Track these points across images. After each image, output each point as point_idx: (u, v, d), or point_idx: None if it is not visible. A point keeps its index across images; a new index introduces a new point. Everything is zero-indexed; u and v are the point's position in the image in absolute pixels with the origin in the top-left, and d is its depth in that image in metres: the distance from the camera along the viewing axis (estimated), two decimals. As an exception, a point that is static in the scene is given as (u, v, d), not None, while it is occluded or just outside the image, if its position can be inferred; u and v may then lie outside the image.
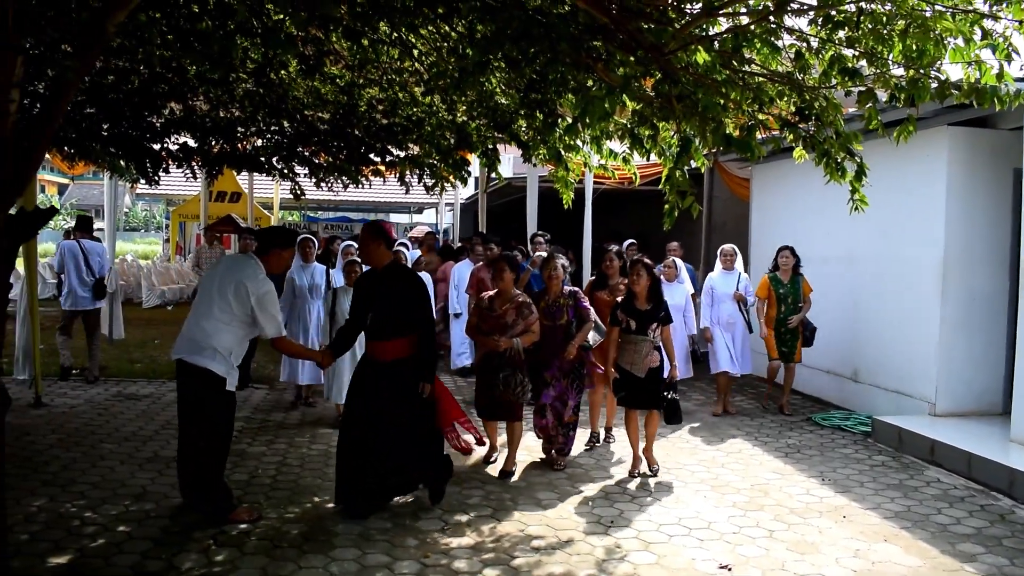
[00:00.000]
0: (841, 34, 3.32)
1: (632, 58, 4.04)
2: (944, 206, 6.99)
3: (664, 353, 6.15)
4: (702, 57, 3.54)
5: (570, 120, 5.46)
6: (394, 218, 28.88)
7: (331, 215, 28.28)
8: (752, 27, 3.22)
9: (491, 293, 6.18)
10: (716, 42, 3.45)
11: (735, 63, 3.62)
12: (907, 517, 5.32)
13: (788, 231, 8.98)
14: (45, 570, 4.19)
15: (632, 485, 5.90)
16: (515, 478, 5.98)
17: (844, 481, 6.04)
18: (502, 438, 6.43)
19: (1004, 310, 7.19)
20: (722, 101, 3.62)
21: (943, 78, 3.34)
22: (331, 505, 5.24)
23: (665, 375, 6.13)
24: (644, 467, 6.16)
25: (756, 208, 10.62)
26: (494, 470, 6.16)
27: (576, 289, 6.40)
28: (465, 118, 6.36)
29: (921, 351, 7.27)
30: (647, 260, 6.16)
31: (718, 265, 8.58)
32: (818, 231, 8.73)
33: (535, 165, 6.67)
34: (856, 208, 4.34)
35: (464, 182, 6.86)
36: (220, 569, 4.28)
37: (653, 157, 5.65)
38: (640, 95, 3.99)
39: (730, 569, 4.47)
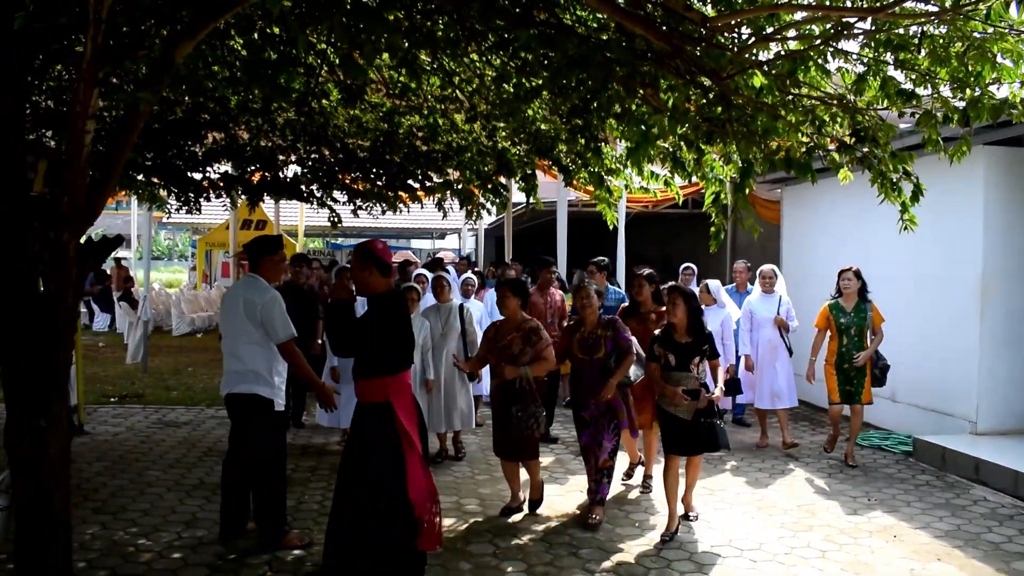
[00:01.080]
0: (890, 56, 3.38)
1: (681, 82, 4.12)
2: (982, 224, 7.00)
3: (711, 385, 5.41)
4: (759, 80, 3.60)
5: (622, 144, 5.56)
6: (416, 244, 29.05)
7: (352, 242, 28.46)
8: (810, 51, 3.28)
9: (496, 321, 5.82)
10: (771, 66, 3.51)
11: (788, 86, 3.68)
12: (958, 536, 5.29)
13: (821, 252, 9.00)
14: (108, 596, 4.24)
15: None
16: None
17: (890, 501, 6.02)
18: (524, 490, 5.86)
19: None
20: (780, 124, 3.68)
21: (999, 98, 3.39)
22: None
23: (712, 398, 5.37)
24: (676, 523, 5.35)
25: (787, 229, 10.64)
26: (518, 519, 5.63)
27: (615, 319, 5.76)
28: (506, 144, 6.45)
29: (961, 370, 7.25)
30: (686, 287, 5.58)
31: (757, 288, 8.00)
32: (852, 251, 8.71)
33: (576, 189, 6.73)
34: (905, 228, 4.38)
35: (503, 207, 6.93)
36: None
37: (692, 178, 5.74)
38: (689, 119, 4.05)
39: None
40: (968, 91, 3.40)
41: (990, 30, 3.14)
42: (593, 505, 5.56)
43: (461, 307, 7.05)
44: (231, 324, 4.89)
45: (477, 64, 5.37)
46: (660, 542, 5.13)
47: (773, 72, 3.58)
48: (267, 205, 18.13)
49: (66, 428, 3.65)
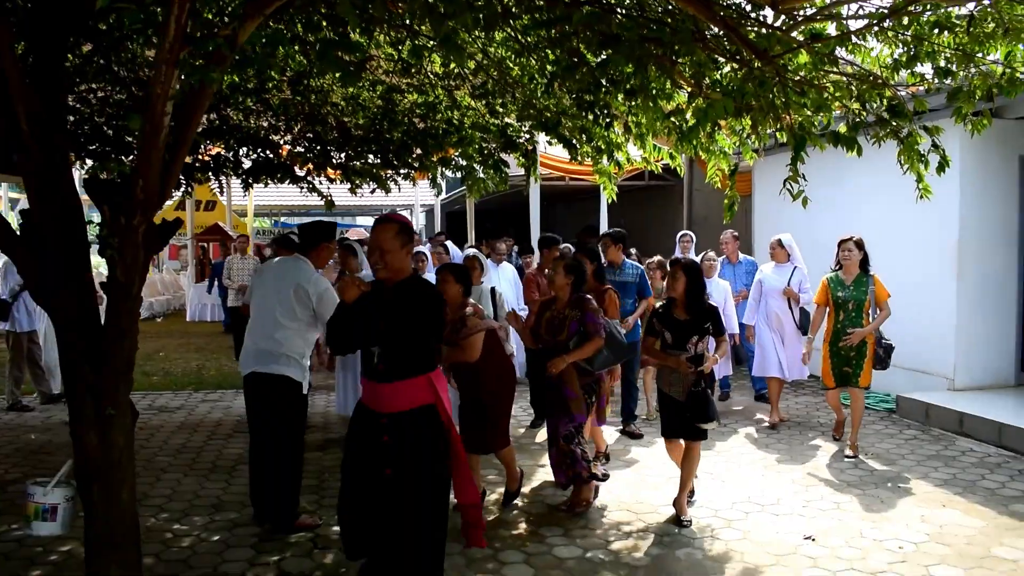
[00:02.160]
0: (936, 36, 3.57)
1: (710, 60, 4.26)
2: (958, 191, 7.36)
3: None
4: (803, 58, 3.76)
5: (629, 117, 5.67)
6: (363, 221, 28.75)
7: (304, 220, 28.03)
8: (862, 31, 3.45)
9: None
10: (817, 44, 3.66)
11: (828, 64, 3.85)
12: (955, 484, 5.64)
13: (795, 221, 9.23)
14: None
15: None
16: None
17: (886, 455, 6.36)
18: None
19: (1014, 289, 7.64)
20: (825, 98, 3.85)
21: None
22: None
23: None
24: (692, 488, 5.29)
25: (759, 200, 10.93)
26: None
27: (585, 297, 5.26)
28: (510, 120, 6.50)
29: (939, 330, 7.64)
30: (689, 259, 5.37)
31: (771, 261, 7.75)
32: (828, 219, 9.00)
33: (580, 162, 6.80)
34: (922, 196, 4.62)
35: (506, 183, 6.98)
36: (339, 569, 4.38)
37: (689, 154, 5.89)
38: (737, 95, 4.17)
39: (814, 539, 4.72)
40: (1002, 68, 3.62)
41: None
42: (577, 488, 5.28)
43: (493, 290, 6.21)
44: (272, 303, 4.86)
45: (483, 40, 5.38)
46: (676, 517, 5.01)
47: (817, 50, 3.73)
48: (215, 185, 17.78)
49: (130, 417, 3.63)
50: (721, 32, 3.63)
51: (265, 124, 7.15)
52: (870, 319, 6.36)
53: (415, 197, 23.13)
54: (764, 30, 3.74)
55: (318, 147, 7.36)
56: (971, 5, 3.23)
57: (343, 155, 7.57)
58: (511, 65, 5.76)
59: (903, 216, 7.89)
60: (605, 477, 5.52)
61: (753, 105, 4.27)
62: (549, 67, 5.26)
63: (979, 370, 7.57)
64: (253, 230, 20.40)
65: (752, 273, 8.25)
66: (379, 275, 3.45)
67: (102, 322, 3.51)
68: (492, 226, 16.67)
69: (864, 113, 3.94)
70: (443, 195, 20.21)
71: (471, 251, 7.27)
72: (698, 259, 7.60)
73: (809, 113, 4.60)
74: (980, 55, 3.58)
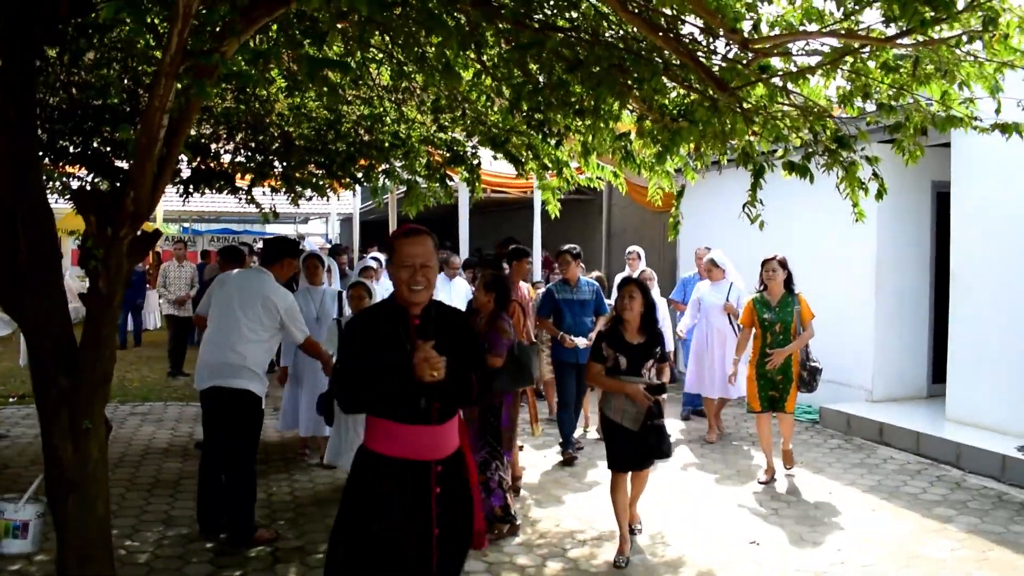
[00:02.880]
0: (880, 75, 3.89)
1: (672, 87, 4.52)
2: (876, 213, 7.82)
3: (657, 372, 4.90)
4: (760, 90, 4.02)
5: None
6: (274, 229, 28.15)
7: (214, 227, 27.29)
8: (816, 68, 3.72)
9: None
10: (774, 79, 3.93)
11: (780, 96, 4.13)
12: (880, 490, 6.02)
13: (719, 237, 9.60)
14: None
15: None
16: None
17: (813, 464, 6.72)
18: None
19: (927, 305, 8.19)
20: (784, 129, 4.13)
21: (964, 113, 3.98)
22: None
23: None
24: (628, 545, 4.81)
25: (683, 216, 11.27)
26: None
27: (501, 315, 5.21)
28: (458, 135, 6.62)
29: (858, 344, 8.11)
30: (643, 278, 5.28)
31: (707, 279, 7.81)
32: (751, 236, 9.36)
33: (525, 176, 6.96)
34: (857, 219, 4.98)
35: (449, 197, 7.09)
36: (302, 582, 4.39)
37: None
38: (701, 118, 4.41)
39: (759, 544, 4.98)
40: (937, 106, 3.97)
41: (965, 57, 3.69)
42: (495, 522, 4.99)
43: (340, 294, 6.59)
44: (237, 316, 4.82)
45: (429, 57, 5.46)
46: (614, 565, 4.63)
47: (774, 84, 4.00)
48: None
49: (104, 430, 3.58)
50: (682, 62, 3.85)
51: (207, 132, 7.05)
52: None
53: (331, 206, 22.89)
54: (724, 63, 3.99)
55: (260, 156, 7.29)
56: (906, 44, 3.52)
57: (284, 165, 7.53)
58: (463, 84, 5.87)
59: (825, 235, 8.34)
60: (513, 527, 5.09)
61: (696, 130, 4.56)
62: (506, 88, 5.38)
63: (895, 382, 8.08)
64: (166, 236, 19.81)
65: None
66: (418, 297, 2.87)
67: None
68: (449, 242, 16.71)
69: (815, 144, 4.23)
70: (361, 204, 20.15)
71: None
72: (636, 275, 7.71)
73: (751, 139, 4.92)
74: (917, 94, 3.91)
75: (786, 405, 6.16)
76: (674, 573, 4.58)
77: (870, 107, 4.37)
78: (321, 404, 5.75)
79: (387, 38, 4.78)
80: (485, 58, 4.94)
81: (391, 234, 2.97)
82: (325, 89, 3.70)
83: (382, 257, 8.06)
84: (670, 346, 7.48)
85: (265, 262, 5.09)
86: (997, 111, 4.00)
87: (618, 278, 7.54)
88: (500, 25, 4.31)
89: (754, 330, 6.27)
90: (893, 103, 4.03)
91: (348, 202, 20.69)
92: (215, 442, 4.98)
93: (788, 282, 6.24)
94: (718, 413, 7.68)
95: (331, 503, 5.63)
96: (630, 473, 4.81)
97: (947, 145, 7.13)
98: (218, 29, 3.19)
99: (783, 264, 6.25)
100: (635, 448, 4.70)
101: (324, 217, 25.00)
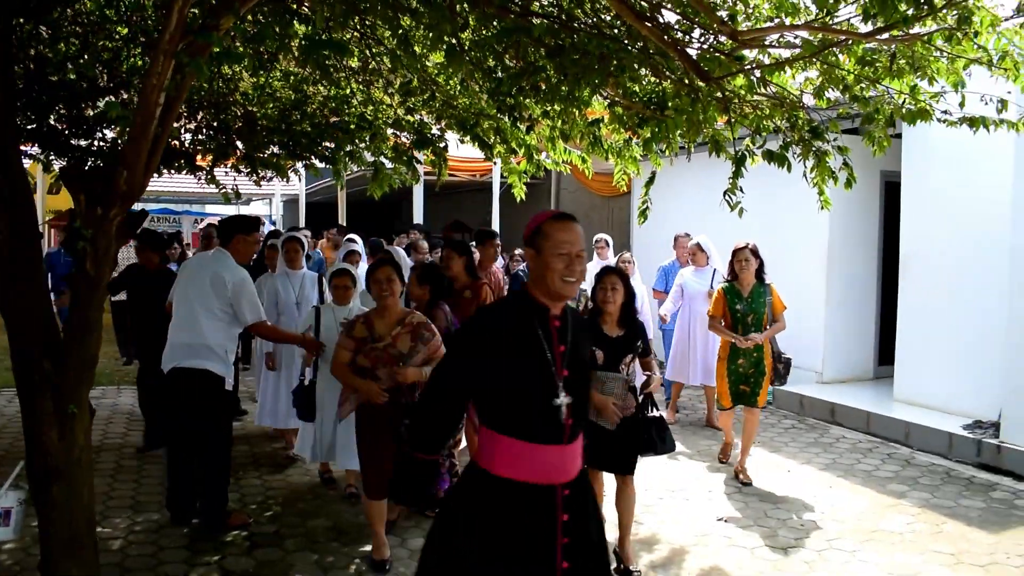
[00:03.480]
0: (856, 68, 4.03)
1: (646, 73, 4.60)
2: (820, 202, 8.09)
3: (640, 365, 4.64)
4: (740, 80, 4.13)
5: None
6: (214, 210, 27.52)
7: (152, 207, 26.48)
8: (795, 60, 3.84)
9: (362, 313, 4.50)
10: (757, 70, 4.03)
11: (759, 86, 4.24)
12: (836, 468, 6.27)
13: (677, 224, 9.79)
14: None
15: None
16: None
17: (770, 443, 6.94)
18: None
19: (874, 291, 8.51)
20: (764, 120, 4.25)
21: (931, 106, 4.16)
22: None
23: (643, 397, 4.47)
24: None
25: (637, 201, 11.42)
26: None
27: (438, 308, 5.06)
28: (429, 119, 6.60)
29: (809, 327, 8.36)
30: (623, 265, 5.01)
31: (691, 265, 7.69)
32: (708, 223, 9.56)
33: (495, 162, 6.98)
34: (823, 207, 5.15)
35: (417, 179, 7.07)
36: (282, 565, 4.38)
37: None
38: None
39: (727, 520, 5.14)
40: (908, 99, 4.13)
41: (936, 52, 3.86)
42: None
43: (321, 278, 6.26)
44: (192, 295, 4.76)
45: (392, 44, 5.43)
46: (624, 568, 4.34)
47: (753, 74, 4.11)
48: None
49: (88, 414, 3.51)
50: (664, 52, 3.92)
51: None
52: None
53: (275, 187, 22.47)
54: (699, 52, 4.08)
55: (223, 137, 7.15)
56: (884, 39, 3.66)
57: (246, 145, 7.40)
58: (430, 67, 5.86)
59: (780, 222, 8.57)
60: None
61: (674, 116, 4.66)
62: (478, 74, 5.38)
63: (843, 364, 8.38)
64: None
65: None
66: (571, 290, 2.46)
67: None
68: (405, 222, 16.44)
69: (792, 132, 4.36)
70: (307, 186, 19.88)
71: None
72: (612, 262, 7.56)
73: (722, 127, 5.05)
74: (887, 87, 4.07)
75: (757, 400, 5.86)
76: (650, 550, 4.71)
77: (834, 98, 4.54)
78: (298, 396, 5.30)
79: (367, 20, 4.77)
80: (459, 41, 4.96)
81: (535, 218, 2.53)
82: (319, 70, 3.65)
83: (359, 239, 7.94)
84: (651, 333, 7.25)
85: (221, 242, 5.01)
86: (961, 105, 4.18)
87: (591, 266, 7.35)
88: (485, 10, 4.33)
89: (722, 321, 5.96)
90: (867, 95, 4.17)
91: (294, 183, 20.37)
92: (181, 426, 4.91)
93: (759, 271, 5.96)
94: (676, 396, 7.79)
95: (302, 488, 5.62)
96: (614, 480, 4.46)
97: (897, 136, 7.38)
98: (214, 3, 3.15)
99: (755, 252, 5.95)
100: (614, 443, 4.30)
101: (267, 199, 24.51)
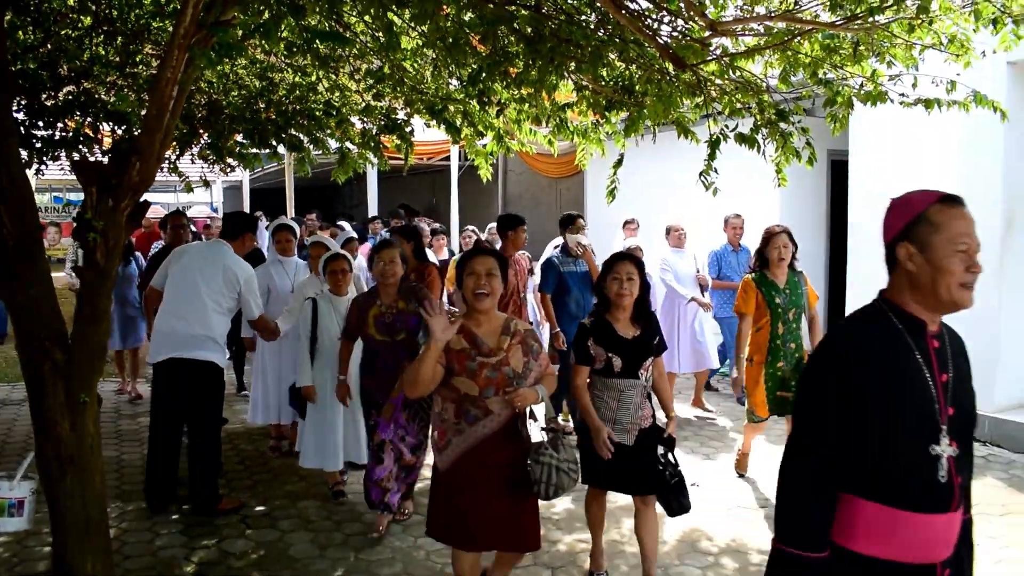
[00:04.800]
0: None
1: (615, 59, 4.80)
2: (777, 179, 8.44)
3: (656, 399, 4.01)
4: (712, 66, 4.36)
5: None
6: (160, 198, 26.89)
7: (77, 197, 25.74)
8: (767, 48, 4.08)
9: (452, 313, 4.08)
10: (726, 57, 4.27)
11: (730, 72, 4.48)
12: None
13: (630, 205, 10.01)
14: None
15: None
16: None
17: (731, 413, 7.26)
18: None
19: (822, 267, 8.92)
20: (737, 103, 4.49)
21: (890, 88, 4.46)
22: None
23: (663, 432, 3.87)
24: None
25: (593, 184, 11.68)
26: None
27: (417, 287, 4.77)
28: (396, 104, 6.68)
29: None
30: (635, 254, 4.31)
31: (667, 244, 7.47)
32: (663, 202, 9.86)
33: (456, 145, 7.10)
34: (780, 184, 5.45)
35: (385, 165, 7.14)
36: (281, 544, 4.48)
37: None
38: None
39: (699, 486, 5.39)
40: (867, 82, 4.42)
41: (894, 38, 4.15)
42: (396, 512, 4.69)
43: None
44: (200, 287, 4.81)
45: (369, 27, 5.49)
46: None
47: (723, 61, 4.35)
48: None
49: (97, 404, 3.57)
50: (640, 39, 4.12)
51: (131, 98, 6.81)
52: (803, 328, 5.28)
53: (216, 173, 22.05)
54: (670, 39, 4.30)
55: (185, 126, 7.11)
56: (854, 29, 3.93)
57: (209, 134, 7.36)
58: (401, 54, 5.94)
59: (731, 201, 8.82)
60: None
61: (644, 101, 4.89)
62: (450, 60, 5.48)
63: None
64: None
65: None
66: (969, 300, 1.92)
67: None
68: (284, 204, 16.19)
69: (761, 116, 4.61)
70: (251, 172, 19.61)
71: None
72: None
73: (684, 111, 5.28)
74: (846, 71, 4.36)
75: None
76: (629, 514, 4.92)
77: (797, 81, 4.82)
78: (293, 395, 5.15)
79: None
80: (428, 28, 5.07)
81: (910, 201, 1.98)
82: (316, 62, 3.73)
83: (347, 225, 7.90)
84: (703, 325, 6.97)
85: (226, 235, 5.09)
86: (914, 86, 4.49)
87: (548, 248, 7.20)
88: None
89: (752, 316, 5.21)
90: (830, 78, 4.44)
91: (236, 170, 20.07)
92: (172, 415, 4.95)
93: (792, 258, 5.30)
94: (700, 387, 7.48)
95: (285, 470, 5.70)
96: (632, 501, 3.92)
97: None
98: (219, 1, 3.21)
99: (791, 235, 5.30)
100: (628, 465, 3.74)
101: (207, 185, 24.02)
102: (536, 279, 6.85)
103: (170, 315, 4.83)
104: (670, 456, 3.74)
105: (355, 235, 7.33)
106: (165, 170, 7.57)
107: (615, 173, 6.02)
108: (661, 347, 3.95)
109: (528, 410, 3.31)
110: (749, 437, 5.58)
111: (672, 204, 9.59)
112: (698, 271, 7.32)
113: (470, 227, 9.63)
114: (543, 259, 6.98)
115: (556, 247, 7.02)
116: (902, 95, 4.38)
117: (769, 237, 5.31)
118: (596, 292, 3.97)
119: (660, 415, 4.03)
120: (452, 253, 8.85)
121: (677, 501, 3.75)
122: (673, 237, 7.49)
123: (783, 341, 5.14)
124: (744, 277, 5.37)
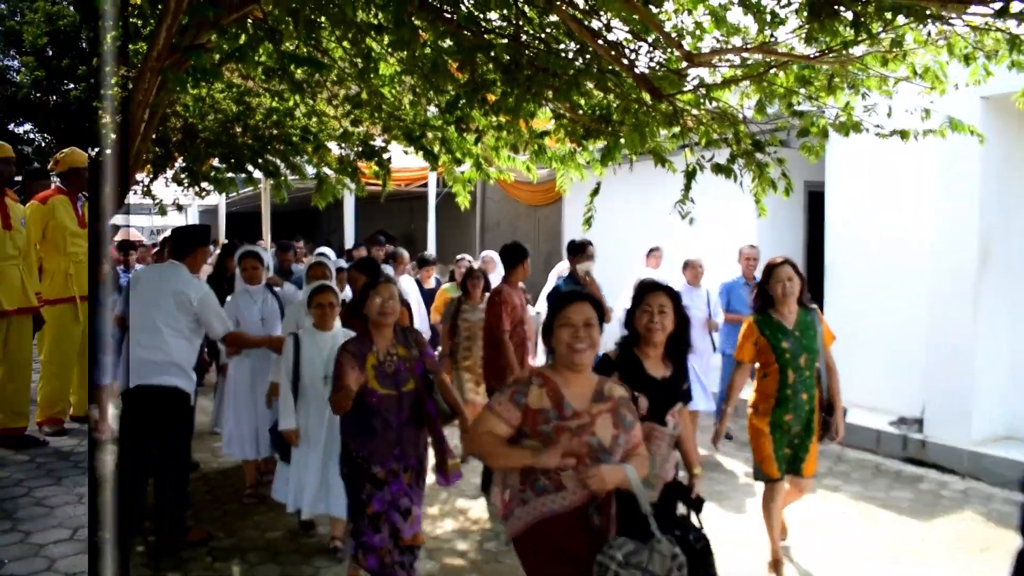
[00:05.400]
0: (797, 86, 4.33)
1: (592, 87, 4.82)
2: (754, 210, 8.48)
3: (679, 449, 3.54)
4: (688, 96, 4.38)
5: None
6: (134, 220, 26.65)
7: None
8: (743, 79, 4.10)
9: (536, 369, 2.90)
10: (703, 88, 4.29)
11: (707, 103, 4.50)
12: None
13: (608, 231, 10.01)
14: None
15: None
16: None
17: (706, 442, 7.21)
18: None
19: (799, 293, 8.93)
20: (714, 134, 4.51)
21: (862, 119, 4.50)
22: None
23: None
24: None
25: (571, 212, 11.70)
26: None
27: (411, 329, 4.16)
28: (374, 130, 6.66)
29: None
30: (666, 284, 3.51)
31: (682, 279, 7.15)
32: (639, 229, 9.86)
33: (433, 172, 7.08)
34: (760, 215, 5.47)
35: (362, 191, 7.11)
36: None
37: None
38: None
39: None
40: (842, 113, 4.46)
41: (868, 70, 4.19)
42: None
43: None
44: (152, 312, 4.68)
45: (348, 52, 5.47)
46: None
47: (699, 92, 4.37)
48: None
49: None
50: (616, 70, 4.13)
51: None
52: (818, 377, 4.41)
53: (191, 196, 21.85)
54: (657, 71, 4.31)
55: (160, 149, 7.05)
56: (829, 61, 3.96)
57: (184, 157, 7.31)
58: (379, 80, 5.93)
59: (708, 229, 8.87)
60: None
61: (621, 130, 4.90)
62: (431, 90, 5.47)
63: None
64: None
65: None
66: None
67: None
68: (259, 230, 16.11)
69: (737, 147, 4.63)
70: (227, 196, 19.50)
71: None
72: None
73: (662, 140, 5.30)
74: (822, 103, 4.40)
75: (804, 467, 4.41)
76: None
77: (772, 112, 4.86)
78: (275, 438, 4.76)
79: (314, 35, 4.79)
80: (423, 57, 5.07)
81: None
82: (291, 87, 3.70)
83: (330, 252, 7.81)
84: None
85: (176, 254, 4.89)
86: (889, 115, 4.53)
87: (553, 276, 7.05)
88: (441, 28, 4.45)
89: (751, 367, 4.52)
90: (807, 109, 4.47)
91: (211, 194, 19.93)
92: (139, 445, 4.83)
93: (802, 293, 4.42)
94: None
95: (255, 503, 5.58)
96: None
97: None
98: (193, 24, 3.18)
99: (795, 267, 4.43)
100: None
101: (183, 209, 23.84)
102: (533, 311, 6.70)
103: (134, 343, 4.73)
104: (694, 518, 3.07)
105: (344, 265, 7.19)
106: (139, 193, 7.54)
107: (591, 201, 6.04)
108: (689, 394, 3.51)
109: (615, 493, 2.68)
110: (771, 518, 4.48)
111: (650, 233, 9.59)
112: (710, 316, 7.00)
113: (465, 256, 9.46)
114: (549, 288, 6.86)
115: (560, 276, 6.95)
116: (878, 126, 4.41)
117: (771, 270, 4.42)
118: (626, 324, 3.49)
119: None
120: (439, 282, 8.77)
121: (704, 569, 2.94)
122: (690, 273, 7.10)
123: (794, 391, 4.29)
124: (746, 319, 4.57)
